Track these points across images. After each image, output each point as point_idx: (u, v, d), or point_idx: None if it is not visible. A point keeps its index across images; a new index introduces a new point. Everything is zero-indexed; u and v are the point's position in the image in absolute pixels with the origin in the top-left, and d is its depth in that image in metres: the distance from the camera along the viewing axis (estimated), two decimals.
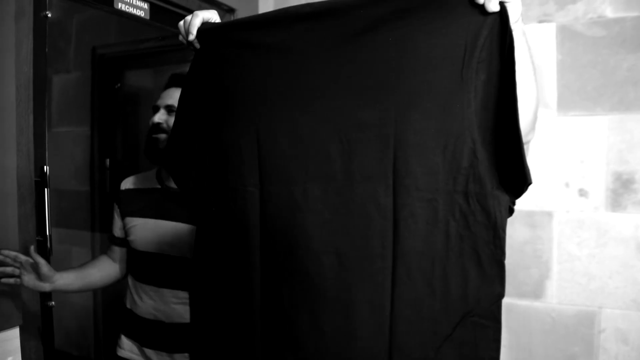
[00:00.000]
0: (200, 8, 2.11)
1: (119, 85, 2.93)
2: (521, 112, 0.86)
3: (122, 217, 1.63)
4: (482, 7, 0.79)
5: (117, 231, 1.67)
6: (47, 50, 1.58)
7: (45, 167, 1.58)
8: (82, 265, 1.62)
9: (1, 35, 1.38)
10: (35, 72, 1.49)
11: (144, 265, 1.58)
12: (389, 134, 0.86)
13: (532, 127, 0.92)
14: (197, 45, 1.02)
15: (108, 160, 2.93)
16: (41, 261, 1.39)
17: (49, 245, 1.60)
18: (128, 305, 1.63)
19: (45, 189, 1.58)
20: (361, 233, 0.89)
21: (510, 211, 0.94)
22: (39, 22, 1.53)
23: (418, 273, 0.87)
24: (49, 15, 1.58)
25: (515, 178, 0.86)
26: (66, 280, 1.48)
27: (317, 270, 0.91)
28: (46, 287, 1.42)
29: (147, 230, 1.56)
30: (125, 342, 1.63)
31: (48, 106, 1.63)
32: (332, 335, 0.91)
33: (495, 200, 0.87)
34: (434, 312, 0.88)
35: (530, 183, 0.86)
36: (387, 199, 0.87)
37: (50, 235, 1.61)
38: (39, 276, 1.40)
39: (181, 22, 1.02)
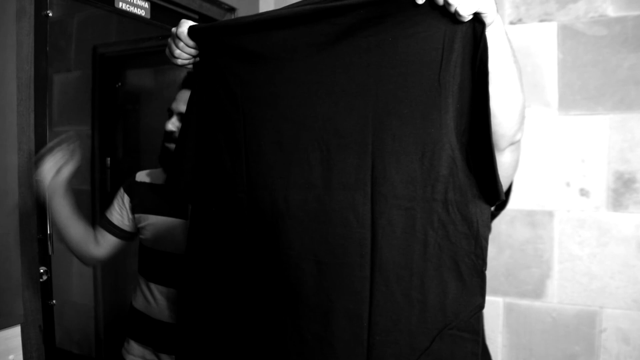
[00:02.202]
0: (201, 7, 2.13)
1: (119, 84, 2.94)
2: (505, 113, 0.86)
3: (133, 212, 1.59)
4: (454, 15, 0.78)
5: (118, 220, 1.60)
6: (48, 49, 1.57)
7: None
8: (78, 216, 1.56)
9: (2, 34, 1.38)
10: (36, 71, 1.48)
11: (161, 266, 1.54)
12: (366, 141, 0.86)
13: (520, 127, 0.92)
14: (197, 59, 1.01)
15: (109, 159, 2.94)
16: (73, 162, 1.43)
17: (49, 244, 1.60)
18: (139, 308, 1.58)
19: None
20: (340, 241, 0.88)
21: (492, 215, 0.93)
22: (40, 21, 1.53)
23: (396, 283, 0.86)
24: (50, 14, 1.58)
25: (489, 189, 0.85)
26: (63, 204, 1.47)
27: (297, 276, 0.91)
28: (52, 189, 1.43)
29: (162, 229, 1.53)
30: (135, 347, 1.58)
31: (49, 105, 1.63)
32: (313, 342, 0.91)
33: (477, 208, 0.86)
34: (411, 324, 0.87)
35: (502, 199, 0.86)
36: (365, 207, 0.86)
37: (51, 234, 1.60)
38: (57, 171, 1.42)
39: (177, 51, 1.00)
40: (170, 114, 1.55)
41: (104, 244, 1.59)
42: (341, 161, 0.88)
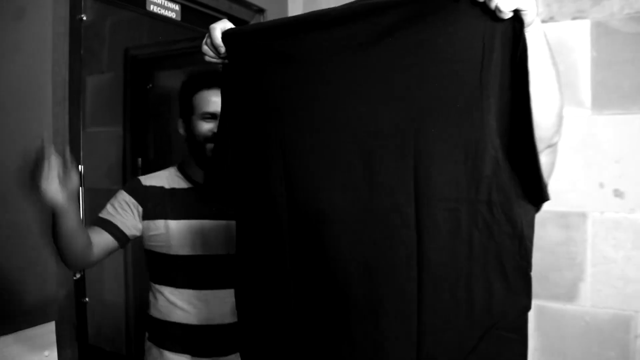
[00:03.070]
0: (230, 9, 2.15)
1: (150, 85, 2.98)
2: (543, 115, 0.83)
3: (145, 218, 1.51)
4: (494, 12, 0.76)
5: (122, 223, 1.47)
6: (82, 52, 1.61)
7: (80, 166, 1.62)
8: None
9: (38, 38, 1.42)
10: (71, 74, 1.52)
11: (201, 270, 1.51)
12: (408, 142, 0.84)
13: (557, 130, 0.90)
14: (226, 60, 1.02)
15: (140, 159, 2.98)
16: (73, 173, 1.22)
17: None
18: (174, 319, 1.54)
19: (80, 188, 1.61)
20: (386, 243, 0.88)
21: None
22: (75, 25, 1.57)
23: (443, 284, 0.86)
24: (84, 18, 1.62)
25: (533, 190, 0.84)
26: (72, 213, 1.26)
27: (345, 279, 0.91)
28: (59, 200, 1.20)
29: (196, 232, 1.49)
30: (172, 358, 1.54)
31: (82, 107, 1.67)
32: (363, 344, 0.91)
33: (521, 209, 0.84)
34: (458, 323, 0.86)
35: (547, 199, 0.84)
36: (410, 208, 0.85)
37: None
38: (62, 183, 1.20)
39: (204, 46, 1.02)
40: (208, 116, 1.51)
41: (102, 247, 1.43)
42: (383, 163, 0.87)
